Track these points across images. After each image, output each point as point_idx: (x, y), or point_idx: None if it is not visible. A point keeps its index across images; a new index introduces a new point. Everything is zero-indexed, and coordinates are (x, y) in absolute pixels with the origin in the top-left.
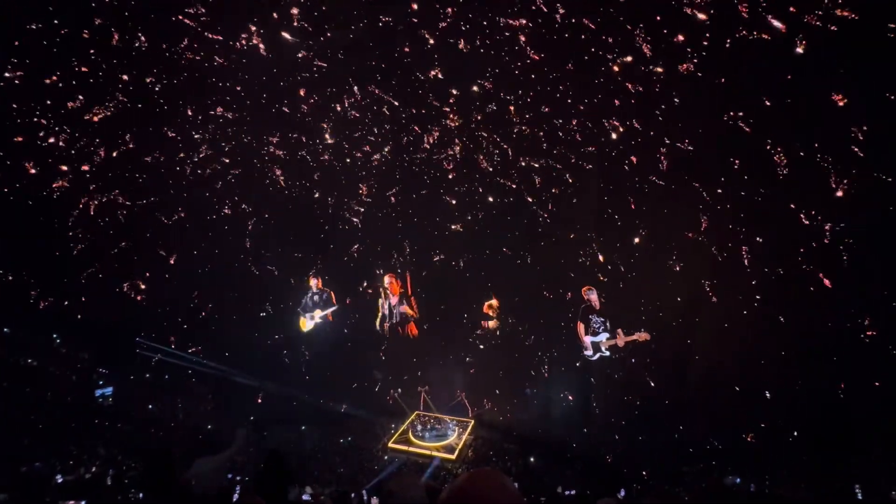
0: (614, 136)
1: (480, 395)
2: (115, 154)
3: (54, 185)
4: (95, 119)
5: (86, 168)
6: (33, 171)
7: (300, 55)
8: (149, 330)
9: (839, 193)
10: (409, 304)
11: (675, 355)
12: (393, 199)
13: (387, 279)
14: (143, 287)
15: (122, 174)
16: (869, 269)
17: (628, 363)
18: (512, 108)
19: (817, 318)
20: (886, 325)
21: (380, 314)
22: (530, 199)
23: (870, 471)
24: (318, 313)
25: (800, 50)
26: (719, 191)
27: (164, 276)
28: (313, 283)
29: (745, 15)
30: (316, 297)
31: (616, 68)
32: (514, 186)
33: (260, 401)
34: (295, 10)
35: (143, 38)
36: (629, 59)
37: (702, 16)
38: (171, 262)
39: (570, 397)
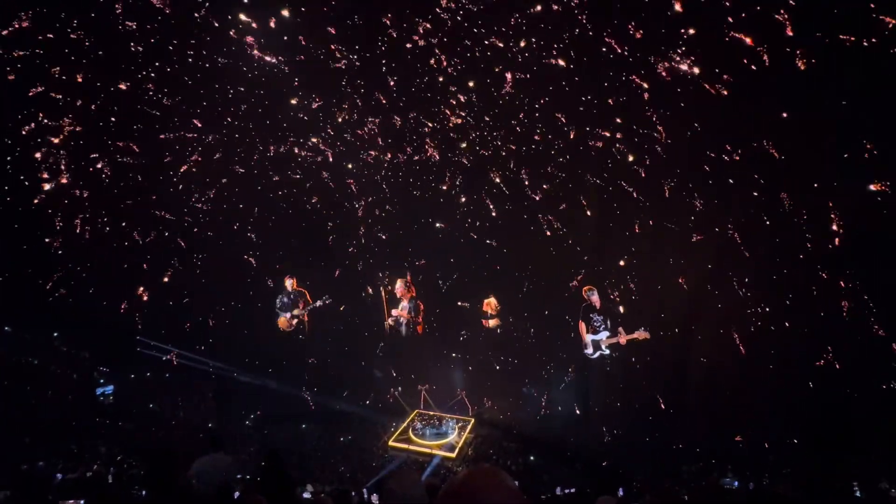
0: (618, 136)
1: (480, 394)
2: (117, 157)
3: (56, 184)
4: (75, 127)
5: (88, 169)
6: (34, 169)
7: (301, 57)
8: (150, 329)
9: (841, 196)
10: (414, 308)
11: (675, 354)
12: (394, 200)
13: (398, 283)
14: (145, 287)
15: (124, 175)
16: (869, 270)
17: (628, 362)
18: (510, 100)
19: (817, 318)
20: (886, 326)
21: (392, 315)
22: (533, 200)
23: (869, 470)
24: (297, 311)
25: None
26: (722, 192)
27: (167, 276)
28: (288, 283)
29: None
30: (293, 297)
31: (636, 79)
32: (516, 186)
33: (260, 413)
34: (295, 12)
35: (142, 39)
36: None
37: (747, 41)
38: (174, 262)
39: (570, 396)
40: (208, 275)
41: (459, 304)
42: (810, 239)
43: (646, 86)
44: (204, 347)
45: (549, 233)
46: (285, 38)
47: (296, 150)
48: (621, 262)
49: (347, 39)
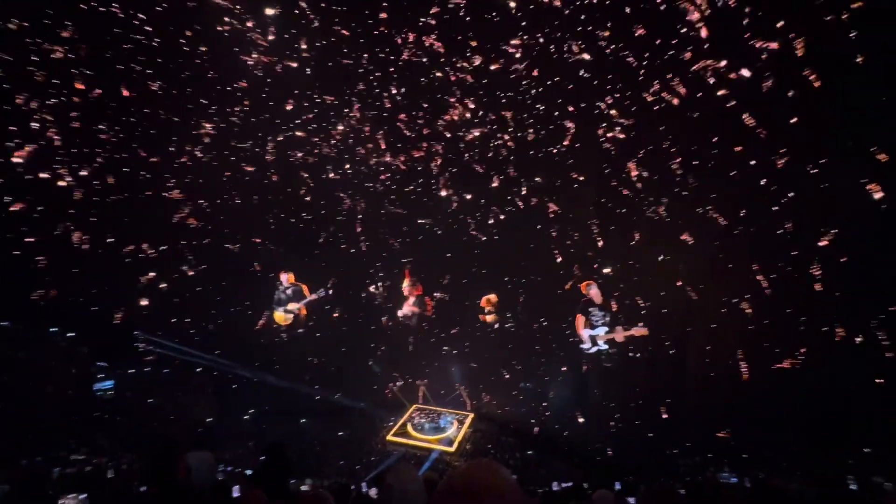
0: (618, 134)
1: (479, 389)
2: (115, 153)
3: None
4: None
5: (85, 166)
6: (32, 167)
7: (302, 54)
8: (149, 325)
9: (840, 195)
10: (421, 304)
11: (673, 350)
12: (393, 199)
13: (405, 283)
14: (145, 281)
15: (123, 171)
16: (868, 268)
17: (626, 357)
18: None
19: (817, 317)
20: (886, 324)
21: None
22: (534, 199)
23: (866, 465)
24: (293, 306)
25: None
26: (721, 189)
27: (166, 274)
28: (284, 277)
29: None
30: (289, 291)
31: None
32: (516, 182)
33: (260, 408)
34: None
35: (142, 37)
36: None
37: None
38: (173, 259)
39: (568, 391)
40: (207, 273)
41: (437, 295)
42: (811, 238)
43: (651, 86)
44: (203, 344)
45: (549, 233)
46: (284, 36)
47: (297, 152)
48: (608, 271)
49: (348, 38)
